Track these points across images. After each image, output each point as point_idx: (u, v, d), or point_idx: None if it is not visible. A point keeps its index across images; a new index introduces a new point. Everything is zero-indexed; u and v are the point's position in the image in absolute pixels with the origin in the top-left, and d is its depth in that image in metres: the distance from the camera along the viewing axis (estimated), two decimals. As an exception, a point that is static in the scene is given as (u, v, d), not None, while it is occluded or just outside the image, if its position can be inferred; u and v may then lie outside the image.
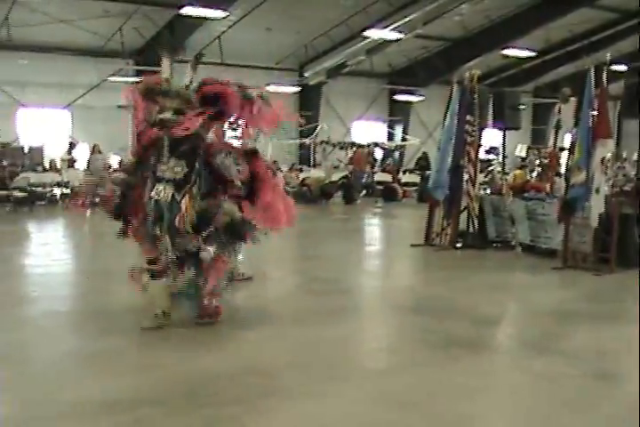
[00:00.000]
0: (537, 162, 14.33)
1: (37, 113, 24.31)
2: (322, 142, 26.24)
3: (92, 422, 4.23)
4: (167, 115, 6.15)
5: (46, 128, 24.36)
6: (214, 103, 6.24)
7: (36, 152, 22.78)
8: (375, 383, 5.03)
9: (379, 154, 28.33)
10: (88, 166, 21.53)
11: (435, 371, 5.31)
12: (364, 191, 24.09)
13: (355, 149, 25.45)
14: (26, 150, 22.64)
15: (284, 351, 5.77)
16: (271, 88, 26.35)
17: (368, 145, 26.50)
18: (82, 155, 23.03)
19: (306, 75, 27.88)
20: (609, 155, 9.80)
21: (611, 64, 10.10)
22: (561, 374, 5.26)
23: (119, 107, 24.79)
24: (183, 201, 6.03)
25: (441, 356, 5.71)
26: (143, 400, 4.54)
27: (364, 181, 24.11)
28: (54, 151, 23.07)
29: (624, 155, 18.21)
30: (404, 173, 26.69)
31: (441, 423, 4.33)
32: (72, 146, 23.13)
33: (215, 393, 4.81)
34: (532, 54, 26.76)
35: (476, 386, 5.00)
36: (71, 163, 22.60)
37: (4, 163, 20.31)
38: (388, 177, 24.93)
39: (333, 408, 4.49)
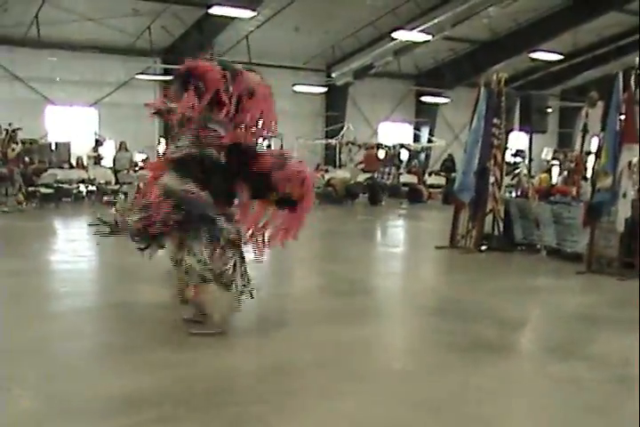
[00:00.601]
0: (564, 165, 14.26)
1: (65, 110, 24.51)
2: (347, 143, 26.27)
3: (115, 418, 4.27)
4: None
5: (74, 125, 24.55)
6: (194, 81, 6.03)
7: (63, 149, 22.95)
8: (397, 384, 5.04)
9: (405, 155, 28.29)
10: (114, 164, 21.72)
11: (457, 373, 5.31)
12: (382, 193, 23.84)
13: (365, 149, 25.45)
14: (53, 147, 22.82)
15: (306, 351, 5.78)
16: (298, 88, 26.49)
17: (394, 147, 26.50)
18: (108, 152, 23.21)
19: (333, 75, 27.89)
20: (635, 159, 9.74)
21: (639, 68, 10.04)
22: (584, 378, 5.25)
23: (146, 105, 25.04)
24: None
25: (463, 358, 5.71)
26: (167, 398, 4.57)
27: (384, 182, 24.00)
28: (81, 148, 23.25)
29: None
30: (430, 174, 26.62)
31: (464, 425, 4.34)
32: (98, 143, 23.32)
33: (239, 392, 4.85)
34: (560, 58, 26.64)
35: (498, 389, 5.00)
36: (97, 160, 22.79)
37: (34, 160, 20.49)
38: (413, 178, 24.89)
39: (355, 409, 4.51)
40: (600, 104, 10.84)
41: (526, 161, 14.88)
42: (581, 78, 30.60)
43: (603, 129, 10.04)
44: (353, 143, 26.17)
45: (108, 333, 6.33)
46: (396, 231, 17.14)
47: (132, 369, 5.18)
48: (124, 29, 22.79)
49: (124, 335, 6.09)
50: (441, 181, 25.12)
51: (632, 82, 9.62)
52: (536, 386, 5.21)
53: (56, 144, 22.90)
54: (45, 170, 19.97)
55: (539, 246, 11.43)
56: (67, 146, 23.07)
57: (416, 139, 31.00)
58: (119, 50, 23.96)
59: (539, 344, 6.64)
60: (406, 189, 24.15)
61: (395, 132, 31.85)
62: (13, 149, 17.50)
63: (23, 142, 18.99)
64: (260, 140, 6.54)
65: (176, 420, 4.25)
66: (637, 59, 10.01)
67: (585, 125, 11.81)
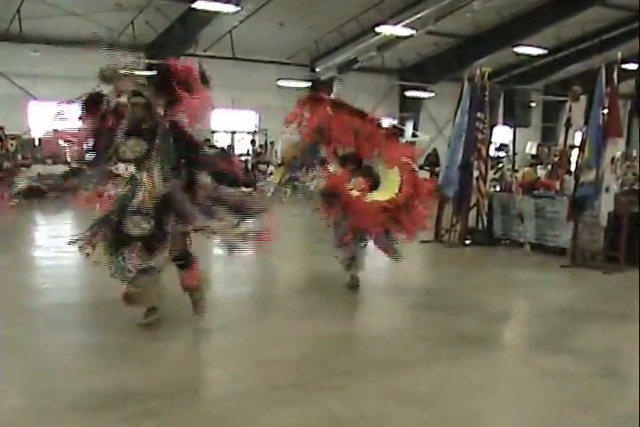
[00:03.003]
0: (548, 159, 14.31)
1: (49, 106, 24.32)
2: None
3: (102, 413, 4.27)
4: (123, 99, 6.24)
5: (57, 121, 24.35)
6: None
7: (46, 144, 22.77)
8: (384, 378, 5.06)
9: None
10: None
11: (443, 367, 5.34)
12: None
13: None
14: (36, 143, 22.68)
15: (291, 346, 5.79)
16: (282, 83, 26.44)
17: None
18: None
19: (317, 70, 27.85)
20: (619, 154, 9.79)
21: (622, 63, 10.08)
22: (569, 371, 5.28)
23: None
24: (145, 177, 5.95)
25: (450, 352, 5.73)
26: (152, 393, 4.57)
27: None
28: (64, 144, 23.06)
29: (634, 153, 18.20)
30: (414, 169, 26.58)
31: (449, 419, 4.36)
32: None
33: (223, 387, 4.86)
34: (544, 52, 26.67)
35: (485, 382, 5.03)
36: (81, 155, 22.63)
37: (19, 156, 20.46)
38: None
39: (340, 403, 4.52)
40: (583, 98, 10.88)
41: (510, 155, 14.92)
42: (565, 73, 30.65)
43: (586, 123, 10.08)
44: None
45: (93, 329, 6.30)
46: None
47: (115, 365, 5.17)
48: (108, 24, 22.63)
49: (108, 332, 6.06)
50: (425, 175, 25.11)
51: (615, 76, 9.67)
52: (522, 379, 5.25)
53: (39, 140, 22.74)
54: (29, 165, 19.86)
55: (522, 241, 11.47)
56: (50, 141, 22.86)
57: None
58: (103, 45, 23.82)
59: (525, 337, 6.68)
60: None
61: (379, 127, 31.80)
62: (12, 145, 17.57)
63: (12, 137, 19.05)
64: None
65: (161, 415, 4.25)
66: (620, 53, 10.06)
67: (568, 119, 11.85)
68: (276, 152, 25.31)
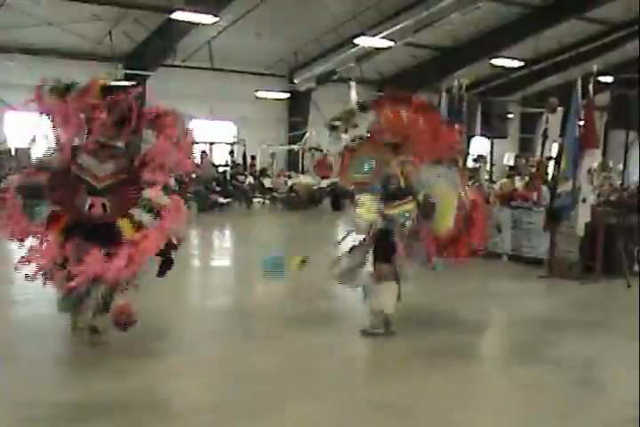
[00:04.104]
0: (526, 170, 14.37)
1: (25, 116, 24.17)
2: (311, 149, 26.27)
3: (81, 424, 4.23)
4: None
5: (34, 131, 24.20)
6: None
7: (23, 154, 22.64)
8: (364, 390, 5.05)
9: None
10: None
11: (422, 378, 5.33)
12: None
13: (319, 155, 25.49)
14: (12, 153, 22.54)
15: (274, 357, 5.76)
16: (260, 94, 26.44)
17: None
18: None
19: (295, 81, 27.89)
20: (595, 164, 9.85)
21: (598, 75, 10.17)
22: (546, 381, 5.29)
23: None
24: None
25: (428, 363, 5.73)
26: (129, 404, 4.54)
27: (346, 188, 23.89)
28: (41, 154, 22.92)
29: (610, 165, 18.32)
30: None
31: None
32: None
33: (202, 398, 4.83)
34: (521, 64, 26.90)
35: (463, 393, 5.03)
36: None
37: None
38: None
39: (320, 413, 4.51)
40: (560, 110, 10.96)
41: (487, 166, 14.97)
42: (542, 85, 30.85)
43: (562, 134, 10.14)
44: (316, 149, 26.15)
45: (67, 340, 6.24)
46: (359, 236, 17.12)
47: (93, 376, 5.12)
48: (85, 34, 22.55)
49: (83, 343, 6.00)
50: (403, 186, 25.15)
51: (591, 88, 9.74)
52: (500, 389, 5.25)
53: (16, 150, 22.61)
54: (5, 176, 19.74)
55: (500, 252, 11.49)
56: (27, 152, 22.75)
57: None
58: (80, 55, 23.70)
59: (503, 348, 6.69)
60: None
61: (358, 138, 31.87)
62: None
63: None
64: None
65: (139, 426, 4.22)
66: (596, 66, 10.14)
67: (545, 131, 11.90)
68: (254, 165, 25.27)
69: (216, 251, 13.31)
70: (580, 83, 9.74)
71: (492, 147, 13.74)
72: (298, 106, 29.28)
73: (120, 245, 5.58)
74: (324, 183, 23.41)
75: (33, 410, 4.45)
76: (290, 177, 24.74)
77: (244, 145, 25.82)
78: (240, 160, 25.36)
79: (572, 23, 24.27)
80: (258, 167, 25.78)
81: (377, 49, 24.40)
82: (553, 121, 11.64)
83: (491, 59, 26.28)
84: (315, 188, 22.93)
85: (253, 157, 25.42)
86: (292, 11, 22.25)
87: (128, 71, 23.99)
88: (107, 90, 6.20)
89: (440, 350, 6.07)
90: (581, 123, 9.70)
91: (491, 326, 7.64)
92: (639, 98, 10.18)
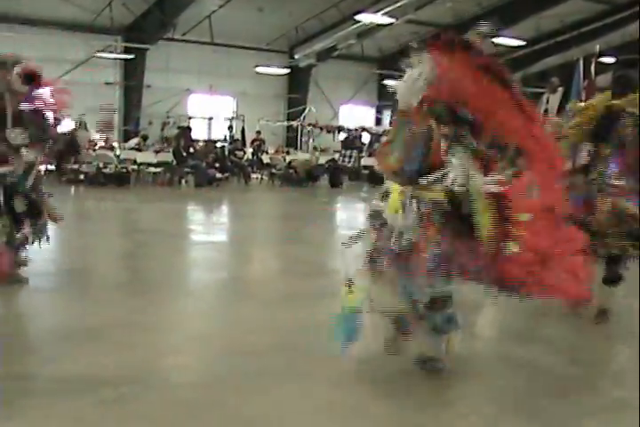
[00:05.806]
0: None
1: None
2: (309, 125, 26.23)
3: (76, 398, 4.24)
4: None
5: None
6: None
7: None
8: (356, 366, 5.05)
9: (366, 138, 28.31)
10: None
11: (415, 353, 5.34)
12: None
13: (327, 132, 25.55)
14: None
15: (265, 333, 5.77)
16: (260, 69, 26.35)
17: (355, 129, 26.49)
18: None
19: (295, 57, 27.79)
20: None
21: (600, 56, 10.14)
22: (539, 361, 5.32)
23: (107, 84, 24.75)
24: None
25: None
26: (124, 379, 4.56)
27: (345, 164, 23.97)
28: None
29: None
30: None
31: (422, 406, 4.37)
32: (57, 121, 22.94)
33: (195, 373, 4.85)
34: (522, 43, 26.78)
35: (454, 371, 5.05)
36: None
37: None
38: (374, 162, 24.85)
39: (314, 390, 4.52)
40: (560, 90, 10.93)
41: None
42: (543, 64, 30.77)
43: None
44: (314, 125, 26.12)
45: (70, 313, 6.25)
46: (355, 214, 17.15)
47: (91, 350, 5.13)
48: (85, 6, 22.42)
49: (85, 316, 6.02)
50: (402, 164, 25.13)
51: (592, 69, 9.71)
52: (493, 368, 5.28)
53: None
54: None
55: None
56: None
57: (378, 122, 31.02)
58: (79, 27, 23.57)
59: (496, 328, 6.71)
60: (367, 172, 24.18)
61: (357, 115, 31.83)
62: None
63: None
64: None
65: (133, 400, 4.24)
66: (598, 46, 10.11)
67: (545, 111, 11.88)
68: (258, 140, 25.08)
69: (212, 226, 13.31)
70: (581, 63, 9.71)
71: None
72: (297, 82, 29.20)
73: None
74: (322, 160, 23.41)
75: (30, 382, 4.48)
76: (288, 153, 24.71)
77: (243, 120, 25.76)
78: (239, 135, 25.30)
79: (575, 2, 24.17)
80: (267, 144, 25.18)
81: (378, 26, 24.27)
82: (553, 101, 11.61)
83: (492, 37, 26.17)
84: (313, 164, 22.91)
85: (259, 132, 25.09)
86: (293, -14, 22.15)
87: (127, 44, 23.87)
88: None
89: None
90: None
91: (484, 306, 7.66)
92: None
